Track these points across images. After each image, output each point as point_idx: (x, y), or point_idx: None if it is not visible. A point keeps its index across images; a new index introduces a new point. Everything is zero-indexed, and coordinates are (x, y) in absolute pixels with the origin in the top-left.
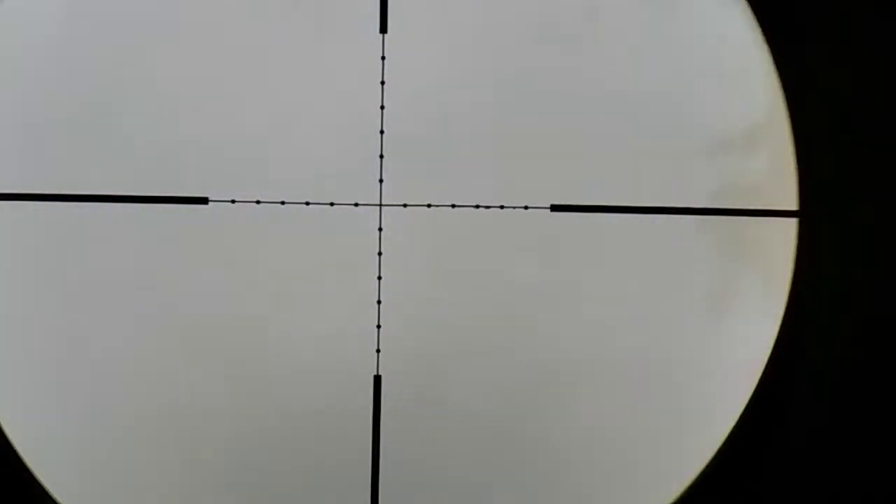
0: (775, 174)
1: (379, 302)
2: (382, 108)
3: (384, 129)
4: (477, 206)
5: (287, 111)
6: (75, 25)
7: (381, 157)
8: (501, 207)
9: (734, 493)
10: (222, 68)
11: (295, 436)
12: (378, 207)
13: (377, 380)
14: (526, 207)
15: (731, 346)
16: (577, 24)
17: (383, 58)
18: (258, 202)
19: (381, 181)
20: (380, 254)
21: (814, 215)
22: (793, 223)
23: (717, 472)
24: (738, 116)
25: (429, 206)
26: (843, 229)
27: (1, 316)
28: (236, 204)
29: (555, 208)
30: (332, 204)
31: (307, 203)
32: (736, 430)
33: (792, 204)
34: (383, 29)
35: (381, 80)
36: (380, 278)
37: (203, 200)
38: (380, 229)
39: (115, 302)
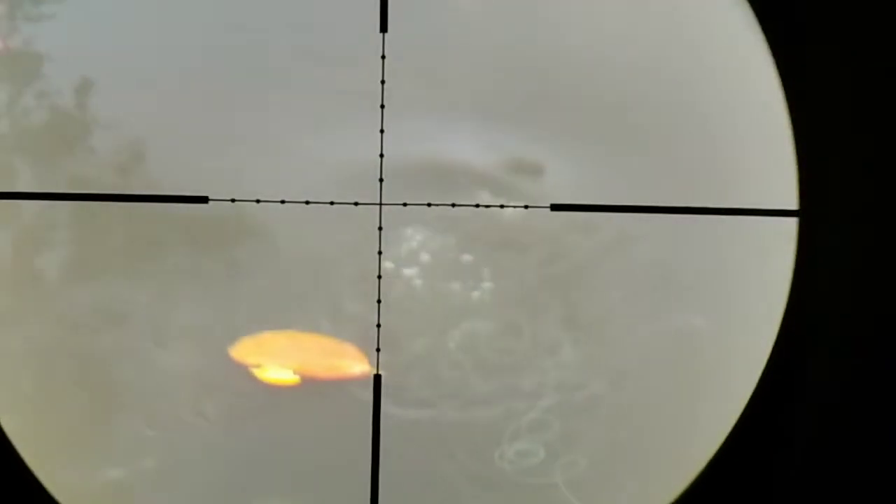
0: (775, 174)
1: (379, 302)
2: (382, 107)
3: (384, 128)
4: (477, 206)
5: (287, 111)
6: (75, 23)
7: (381, 156)
8: (501, 207)
9: (735, 492)
10: (222, 67)
11: (295, 435)
12: (378, 207)
13: (377, 379)
14: (526, 207)
15: (731, 346)
16: (578, 25)
17: (383, 57)
18: (258, 202)
19: (381, 180)
20: (380, 253)
21: (814, 215)
22: (793, 223)
23: (718, 472)
24: (739, 116)
25: (429, 205)
26: (843, 229)
27: (0, 315)
28: (236, 203)
29: (555, 208)
30: (332, 203)
31: (307, 202)
32: (736, 430)
33: (792, 204)
34: (383, 28)
35: (381, 79)
36: (380, 278)
37: (203, 200)
38: (380, 229)
39: (114, 301)
